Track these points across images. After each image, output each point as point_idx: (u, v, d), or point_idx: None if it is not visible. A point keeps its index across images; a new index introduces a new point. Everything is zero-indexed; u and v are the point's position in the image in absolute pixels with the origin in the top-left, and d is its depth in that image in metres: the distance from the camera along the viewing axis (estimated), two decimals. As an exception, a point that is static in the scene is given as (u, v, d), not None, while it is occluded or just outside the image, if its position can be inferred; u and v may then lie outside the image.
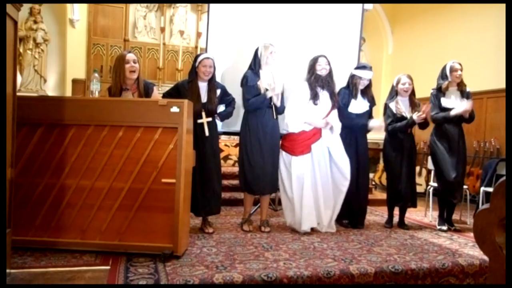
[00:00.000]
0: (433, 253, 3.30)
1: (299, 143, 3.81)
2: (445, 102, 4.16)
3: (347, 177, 3.84)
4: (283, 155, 3.86)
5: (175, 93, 3.68)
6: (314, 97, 3.84)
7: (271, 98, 3.76)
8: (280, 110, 3.89)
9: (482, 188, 4.60)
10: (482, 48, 6.36)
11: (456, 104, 4.12)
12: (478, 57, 6.35)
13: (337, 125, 3.92)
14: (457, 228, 4.28)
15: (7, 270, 2.38)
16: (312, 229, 3.86)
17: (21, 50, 7.28)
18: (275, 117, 3.83)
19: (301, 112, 3.82)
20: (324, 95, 3.88)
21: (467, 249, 3.46)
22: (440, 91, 4.19)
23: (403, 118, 4.13)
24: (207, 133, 3.57)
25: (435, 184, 4.40)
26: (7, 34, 2.27)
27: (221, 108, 3.84)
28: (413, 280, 2.89)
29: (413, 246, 3.51)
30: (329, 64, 3.91)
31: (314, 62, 3.92)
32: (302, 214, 3.76)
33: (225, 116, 3.84)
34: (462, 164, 4.16)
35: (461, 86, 4.19)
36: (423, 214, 4.96)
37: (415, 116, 4.02)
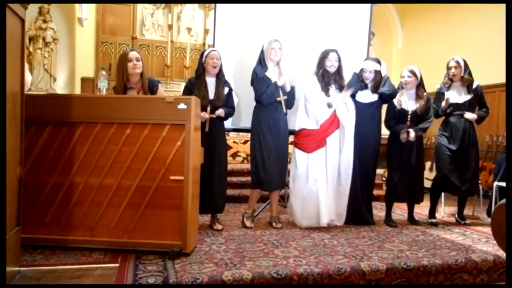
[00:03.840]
0: (445, 249, 3.25)
1: (315, 138, 3.76)
2: (448, 96, 4.20)
3: (343, 172, 3.80)
4: (295, 152, 3.82)
5: (188, 93, 3.59)
6: (325, 89, 3.80)
7: (280, 92, 3.73)
8: (290, 105, 3.85)
9: (496, 183, 4.51)
10: (493, 41, 6.24)
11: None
12: (490, 50, 6.24)
13: (350, 110, 3.87)
14: (467, 222, 4.25)
15: (17, 268, 2.39)
16: (328, 225, 3.83)
17: (31, 49, 7.35)
18: (285, 112, 3.80)
19: (311, 107, 3.79)
20: (333, 89, 3.84)
21: (480, 245, 3.41)
22: (444, 86, 4.27)
23: (402, 110, 4.09)
24: (207, 129, 3.53)
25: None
26: (14, 32, 2.27)
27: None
28: (425, 276, 2.85)
29: (425, 242, 3.46)
30: (339, 60, 3.84)
31: (324, 57, 3.85)
32: (321, 208, 3.70)
33: (223, 116, 3.67)
34: (467, 158, 4.15)
35: (464, 82, 4.18)
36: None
37: (402, 137, 4.01)
